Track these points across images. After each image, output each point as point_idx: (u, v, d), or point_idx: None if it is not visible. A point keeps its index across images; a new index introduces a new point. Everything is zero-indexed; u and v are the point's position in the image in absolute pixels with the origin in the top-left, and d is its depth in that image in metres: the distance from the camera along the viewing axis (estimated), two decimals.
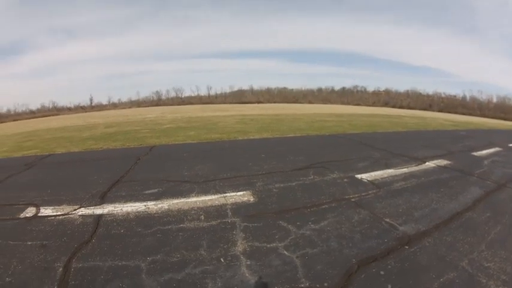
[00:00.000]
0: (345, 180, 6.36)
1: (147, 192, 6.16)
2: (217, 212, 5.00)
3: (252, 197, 5.58)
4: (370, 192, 5.73)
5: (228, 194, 5.83)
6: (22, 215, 5.59)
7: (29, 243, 4.52)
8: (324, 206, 5.06)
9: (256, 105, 64.22)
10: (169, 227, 4.65)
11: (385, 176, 6.74)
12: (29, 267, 3.92)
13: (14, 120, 69.45)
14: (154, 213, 5.15)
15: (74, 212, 5.41)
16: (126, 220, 4.95)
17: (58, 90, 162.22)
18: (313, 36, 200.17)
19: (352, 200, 5.33)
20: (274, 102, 79.08)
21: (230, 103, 73.60)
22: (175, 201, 5.65)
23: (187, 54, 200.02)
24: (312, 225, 4.36)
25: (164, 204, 5.50)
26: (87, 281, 3.49)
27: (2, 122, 67.26)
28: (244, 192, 5.82)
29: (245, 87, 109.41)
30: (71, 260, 3.95)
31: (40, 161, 10.34)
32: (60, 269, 3.76)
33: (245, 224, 4.48)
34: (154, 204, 5.53)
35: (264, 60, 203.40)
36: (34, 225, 5.10)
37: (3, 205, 6.30)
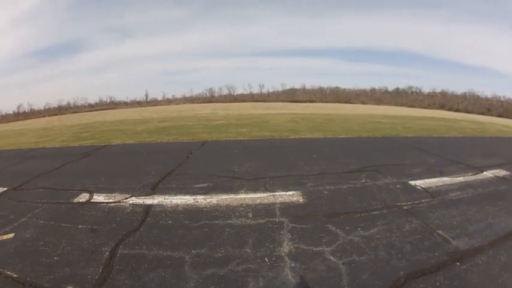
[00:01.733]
0: (398, 186, 6.17)
1: (197, 186, 6.36)
2: (266, 210, 5.03)
3: (301, 197, 5.55)
4: (423, 200, 5.46)
5: (277, 193, 5.85)
6: (76, 200, 6.07)
7: (80, 226, 4.90)
8: (374, 212, 4.90)
9: (308, 104, 63.37)
10: (217, 222, 4.76)
11: (440, 184, 6.37)
12: (77, 249, 4.25)
13: (73, 113, 75.43)
14: (203, 207, 5.31)
15: (125, 201, 5.76)
16: (174, 212, 5.16)
17: (115, 85, 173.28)
18: (368, 34, 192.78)
19: (405, 207, 5.11)
20: (326, 102, 77.31)
21: (282, 101, 73.07)
22: (224, 196, 5.78)
23: (240, 52, 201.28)
24: (361, 232, 4.25)
25: (213, 199, 5.65)
26: (131, 267, 3.69)
27: (62, 114, 72.94)
28: (293, 192, 5.81)
29: (297, 85, 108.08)
30: (118, 245, 4.20)
31: (96, 151, 11.06)
32: (107, 254, 4.02)
33: (293, 224, 4.47)
34: (203, 198, 5.70)
35: (317, 58, 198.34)
36: (86, 210, 5.52)
37: (59, 189, 6.81)
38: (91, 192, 6.32)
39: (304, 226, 4.42)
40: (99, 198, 6.01)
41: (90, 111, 77.86)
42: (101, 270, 3.67)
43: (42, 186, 7.34)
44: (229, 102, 76.82)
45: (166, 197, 5.82)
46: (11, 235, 4.95)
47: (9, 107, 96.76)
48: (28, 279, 3.67)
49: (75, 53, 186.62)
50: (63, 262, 3.95)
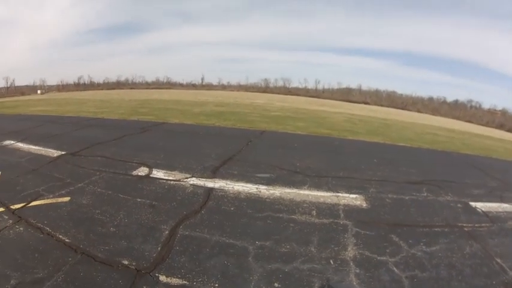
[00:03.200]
0: (459, 205, 5.71)
1: (259, 175, 6.19)
2: (330, 210, 4.92)
3: (364, 202, 5.37)
4: (483, 224, 5.12)
5: (340, 194, 5.60)
6: (134, 173, 6.12)
7: (138, 200, 4.88)
8: (436, 229, 4.67)
9: (363, 105, 61.62)
10: (281, 215, 4.58)
11: (500, 210, 5.85)
12: (135, 222, 4.19)
13: (131, 89, 79.32)
14: (266, 198, 5.14)
15: (185, 180, 5.71)
16: (236, 199, 5.03)
17: (172, 67, 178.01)
18: (430, 39, 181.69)
19: (465, 229, 4.82)
20: (381, 105, 74.42)
21: (336, 100, 71.54)
22: (287, 190, 5.57)
23: (298, 47, 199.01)
24: (423, 247, 4.06)
25: (276, 191, 5.46)
26: (192, 250, 3.57)
27: (120, 89, 76.51)
28: (357, 195, 5.61)
29: (353, 85, 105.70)
30: (178, 225, 4.10)
31: (155, 126, 11.26)
32: (166, 232, 3.93)
33: (357, 229, 4.34)
34: (266, 189, 5.52)
35: (375, 59, 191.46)
36: (145, 184, 5.51)
37: (118, 160, 6.90)
38: (150, 167, 6.35)
39: (368, 233, 4.29)
40: (158, 174, 6.01)
41: (146, 88, 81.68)
42: (159, 248, 3.58)
43: (100, 154, 7.50)
44: (284, 94, 76.44)
45: (228, 182, 5.70)
46: (67, 198, 5.04)
47: (70, 78, 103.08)
48: (81, 246, 3.66)
49: (137, 33, 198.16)
50: (119, 234, 3.90)
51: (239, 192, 5.27)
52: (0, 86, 79.17)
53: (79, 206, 4.71)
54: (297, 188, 5.72)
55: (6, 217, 4.54)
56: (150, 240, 3.75)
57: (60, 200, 5.01)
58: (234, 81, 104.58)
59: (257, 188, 5.51)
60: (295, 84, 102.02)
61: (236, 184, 5.62)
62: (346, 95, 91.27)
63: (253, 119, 15.72)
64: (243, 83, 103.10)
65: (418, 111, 78.72)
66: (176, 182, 5.58)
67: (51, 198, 5.09)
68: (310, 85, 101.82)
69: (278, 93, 78.64)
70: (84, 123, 13.83)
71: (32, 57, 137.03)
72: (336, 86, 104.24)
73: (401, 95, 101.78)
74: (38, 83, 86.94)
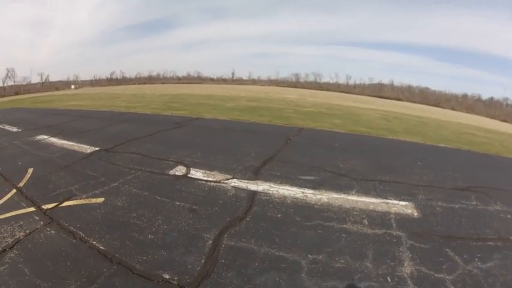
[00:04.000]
0: (509, 216, 5.18)
1: (303, 177, 5.79)
2: (381, 219, 4.53)
3: (415, 210, 4.97)
4: None
5: (390, 201, 5.14)
6: (171, 172, 5.84)
7: (177, 203, 4.57)
8: (489, 243, 4.30)
9: (396, 102, 59.85)
10: (331, 224, 4.19)
11: None
12: (175, 229, 3.88)
13: (162, 83, 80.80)
14: (313, 204, 4.74)
15: (226, 182, 5.38)
16: (282, 204, 4.64)
17: (203, 62, 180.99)
18: (464, 33, 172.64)
19: None
20: (414, 102, 72.10)
21: (368, 95, 69.95)
22: (335, 195, 5.14)
23: (328, 41, 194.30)
24: (478, 263, 3.75)
25: (323, 196, 5.04)
26: (239, 263, 3.23)
27: (151, 83, 77.86)
28: (406, 203, 5.20)
29: (385, 81, 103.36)
30: (222, 234, 3.76)
31: (189, 122, 11.05)
32: (210, 242, 3.59)
33: (411, 242, 4.02)
34: (312, 194, 5.11)
35: (408, 54, 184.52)
36: (183, 186, 5.21)
37: (153, 158, 6.65)
38: (188, 166, 6.06)
39: (422, 246, 3.98)
40: (197, 174, 5.70)
41: (177, 83, 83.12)
42: (203, 261, 3.25)
43: (134, 151, 7.29)
44: (315, 89, 75.76)
45: (272, 185, 5.31)
46: (101, 199, 4.82)
47: (103, 73, 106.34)
48: (117, 255, 3.37)
49: (168, 29, 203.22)
50: (158, 243, 3.59)
51: (285, 197, 4.87)
52: (36, 82, 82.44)
53: (114, 208, 4.48)
54: (344, 193, 5.28)
55: (37, 218, 4.37)
56: (192, 250, 3.42)
57: (93, 200, 4.80)
58: (264, 76, 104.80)
59: (303, 193, 5.10)
60: (326, 79, 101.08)
61: (280, 187, 5.23)
62: (378, 90, 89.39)
63: (289, 115, 15.31)
64: (273, 77, 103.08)
65: (452, 108, 76.15)
66: (217, 184, 5.24)
67: (85, 198, 4.90)
68: (341, 80, 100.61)
69: (309, 88, 78.01)
70: (117, 118, 13.82)
71: (66, 55, 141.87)
72: (367, 82, 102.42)
73: (435, 91, 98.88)
74: (71, 78, 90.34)
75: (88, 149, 7.94)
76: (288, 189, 5.16)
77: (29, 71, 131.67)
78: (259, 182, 5.38)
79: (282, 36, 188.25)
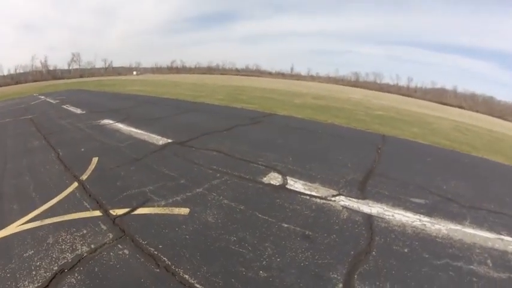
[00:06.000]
0: None
1: (413, 200, 4.87)
2: (502, 260, 3.61)
3: None
4: None
5: (504, 238, 4.11)
6: (265, 180, 5.12)
7: (285, 225, 3.80)
8: None
9: (459, 110, 56.49)
10: (459, 264, 3.36)
11: None
12: (292, 265, 3.10)
13: (221, 74, 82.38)
14: (435, 236, 3.86)
15: (332, 199, 4.55)
16: (404, 235, 3.80)
17: (262, 56, 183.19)
18: None
19: None
20: (476, 111, 67.58)
21: (429, 101, 66.82)
22: (452, 226, 4.20)
23: (390, 40, 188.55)
24: None
25: (441, 227, 4.13)
26: None
27: (210, 74, 79.72)
28: None
29: (448, 86, 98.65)
30: (351, 274, 2.97)
31: (264, 118, 10.44)
32: (340, 286, 2.82)
33: None
34: (429, 222, 4.21)
35: (474, 59, 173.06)
36: (285, 201, 4.43)
37: (238, 159, 6.03)
38: (283, 174, 5.30)
39: None
40: (296, 185, 4.90)
41: (236, 75, 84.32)
42: None
43: (215, 148, 6.69)
44: (374, 90, 73.57)
45: (385, 207, 4.45)
46: (186, 210, 4.13)
47: (163, 62, 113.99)
48: None
49: (229, 22, 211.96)
50: (275, 284, 2.84)
51: (403, 225, 4.01)
52: (99, 67, 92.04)
53: (205, 226, 3.77)
54: (459, 223, 4.30)
55: (105, 228, 3.73)
56: None
57: (176, 211, 4.13)
58: (322, 73, 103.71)
59: (420, 220, 4.21)
60: (386, 79, 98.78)
61: (395, 211, 4.35)
62: (439, 96, 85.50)
63: (363, 118, 14.31)
64: (332, 75, 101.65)
65: None
66: (324, 202, 4.42)
67: (164, 206, 4.24)
68: (402, 82, 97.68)
69: (368, 88, 76.16)
70: (184, 107, 13.50)
71: (129, 43, 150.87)
72: (429, 85, 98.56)
73: (499, 101, 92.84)
74: (133, 65, 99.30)
75: (160, 140, 7.48)
76: (403, 215, 4.29)
77: (93, 56, 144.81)
78: (371, 203, 4.53)
79: (342, 34, 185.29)
